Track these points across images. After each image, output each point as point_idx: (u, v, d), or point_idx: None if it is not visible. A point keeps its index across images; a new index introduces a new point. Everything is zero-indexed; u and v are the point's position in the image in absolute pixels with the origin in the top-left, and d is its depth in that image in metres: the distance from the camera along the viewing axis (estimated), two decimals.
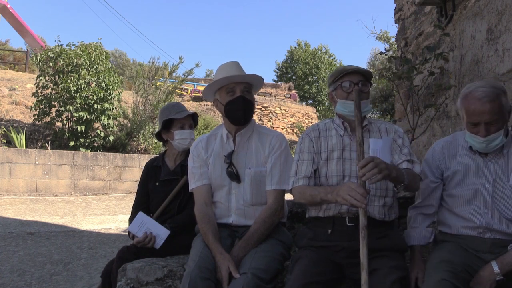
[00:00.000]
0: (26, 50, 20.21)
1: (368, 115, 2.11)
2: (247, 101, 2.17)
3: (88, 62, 9.68)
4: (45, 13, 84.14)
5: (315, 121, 18.59)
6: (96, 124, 9.83)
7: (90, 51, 9.90)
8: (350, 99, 1.94)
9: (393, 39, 20.61)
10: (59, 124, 9.75)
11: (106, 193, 8.99)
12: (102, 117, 9.59)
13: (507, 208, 1.84)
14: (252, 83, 2.24)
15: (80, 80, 9.36)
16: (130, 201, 7.87)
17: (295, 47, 32.92)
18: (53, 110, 9.64)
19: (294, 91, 21.57)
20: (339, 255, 1.87)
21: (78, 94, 9.28)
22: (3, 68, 17.31)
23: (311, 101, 29.84)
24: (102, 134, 9.69)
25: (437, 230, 2.04)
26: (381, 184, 1.90)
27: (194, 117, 2.70)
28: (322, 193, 1.86)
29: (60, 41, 10.05)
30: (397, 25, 5.32)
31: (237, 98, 2.15)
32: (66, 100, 9.48)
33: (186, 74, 12.89)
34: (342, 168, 1.95)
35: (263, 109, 16.90)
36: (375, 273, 1.74)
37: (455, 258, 1.78)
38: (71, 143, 9.34)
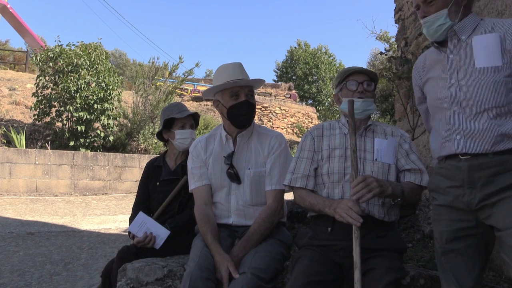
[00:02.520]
0: (26, 50, 20.22)
1: (372, 116, 2.12)
2: (252, 105, 2.18)
3: (88, 62, 9.68)
4: (45, 13, 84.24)
5: (315, 121, 18.59)
6: (96, 124, 9.83)
7: (90, 51, 9.89)
8: (355, 97, 1.98)
9: (393, 39, 20.62)
10: (59, 124, 9.75)
11: (106, 193, 8.99)
12: (102, 117, 9.58)
13: (478, 97, 1.60)
14: (254, 85, 2.25)
15: (80, 80, 9.36)
16: (130, 201, 7.87)
17: (295, 47, 32.92)
18: (53, 110, 9.63)
19: (294, 91, 21.57)
20: (338, 255, 1.88)
21: (78, 94, 9.28)
22: (3, 68, 17.31)
23: (311, 101, 29.85)
24: (102, 134, 9.68)
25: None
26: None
27: (195, 117, 2.70)
28: (321, 204, 1.92)
29: (60, 41, 10.06)
30: (397, 25, 5.32)
31: (242, 102, 2.15)
32: (66, 100, 9.48)
33: (186, 74, 12.88)
34: (344, 166, 1.97)
35: (263, 109, 16.91)
36: (371, 273, 1.75)
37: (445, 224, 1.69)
38: (71, 143, 9.34)
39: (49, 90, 9.68)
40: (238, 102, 2.15)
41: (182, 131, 2.58)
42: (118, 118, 10.41)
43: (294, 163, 2.07)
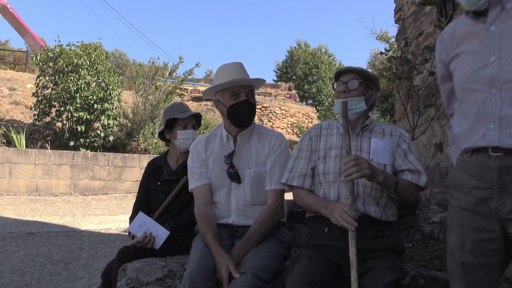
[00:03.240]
0: (26, 50, 20.22)
1: (371, 116, 2.12)
2: (252, 105, 2.19)
3: (88, 62, 9.67)
4: (45, 13, 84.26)
5: (315, 121, 18.60)
6: (96, 124, 9.82)
7: (90, 51, 9.89)
8: (340, 98, 2.02)
9: (393, 39, 20.62)
10: (59, 124, 9.75)
11: (106, 193, 8.99)
12: (102, 117, 9.58)
13: None
14: (254, 85, 2.25)
15: (80, 80, 9.36)
16: (130, 201, 7.87)
17: (295, 47, 32.93)
18: (53, 110, 9.63)
19: (294, 91, 21.57)
20: (336, 255, 1.88)
21: (78, 94, 9.28)
22: (3, 68, 17.31)
23: (311, 101, 29.86)
24: (102, 134, 9.68)
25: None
26: (376, 185, 1.90)
27: (197, 117, 2.71)
28: (317, 205, 1.93)
29: (60, 41, 10.05)
30: (397, 25, 5.32)
31: (242, 102, 2.15)
32: (66, 100, 9.47)
33: (186, 74, 12.88)
34: (340, 166, 1.96)
35: (263, 109, 16.91)
36: (371, 273, 1.74)
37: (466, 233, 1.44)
38: (71, 143, 9.34)
39: (49, 90, 9.68)
40: (238, 101, 2.15)
41: (184, 132, 2.58)
42: (118, 118, 10.41)
43: (292, 162, 2.09)
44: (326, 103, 26.65)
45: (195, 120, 2.68)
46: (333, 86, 2.12)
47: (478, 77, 1.42)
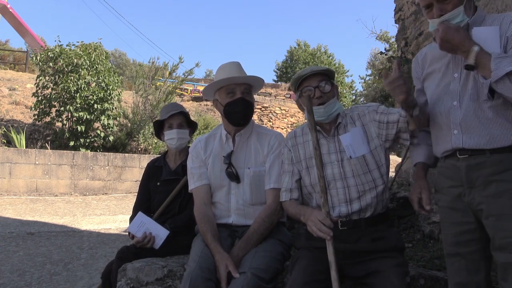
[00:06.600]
0: (26, 50, 20.22)
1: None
2: (247, 102, 2.18)
3: (88, 62, 9.68)
4: (45, 13, 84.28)
5: None
6: (96, 124, 9.83)
7: (90, 51, 9.89)
8: (314, 105, 1.90)
9: (393, 39, 20.61)
10: (59, 124, 9.75)
11: (106, 193, 8.99)
12: (102, 117, 9.58)
13: (472, 90, 1.58)
14: (252, 84, 2.24)
15: (80, 80, 9.36)
16: (130, 201, 7.87)
17: (294, 47, 32.93)
18: (53, 110, 9.63)
19: None
20: (336, 256, 1.87)
21: (78, 94, 9.28)
22: (3, 68, 17.30)
23: None
24: (102, 134, 9.68)
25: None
26: (366, 178, 1.89)
27: (187, 115, 2.69)
28: (298, 214, 1.92)
29: (60, 41, 10.06)
30: (397, 25, 5.32)
31: (237, 99, 2.15)
32: (66, 100, 9.48)
33: (186, 74, 12.88)
34: (325, 174, 1.90)
35: (263, 109, 16.89)
36: (380, 274, 1.74)
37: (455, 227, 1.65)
38: (71, 143, 9.34)
39: (49, 90, 9.68)
40: (233, 99, 2.15)
41: (169, 132, 2.60)
42: (118, 118, 10.41)
43: (281, 177, 2.07)
44: None
45: (185, 118, 2.67)
46: (299, 93, 1.96)
47: (445, 91, 1.68)
